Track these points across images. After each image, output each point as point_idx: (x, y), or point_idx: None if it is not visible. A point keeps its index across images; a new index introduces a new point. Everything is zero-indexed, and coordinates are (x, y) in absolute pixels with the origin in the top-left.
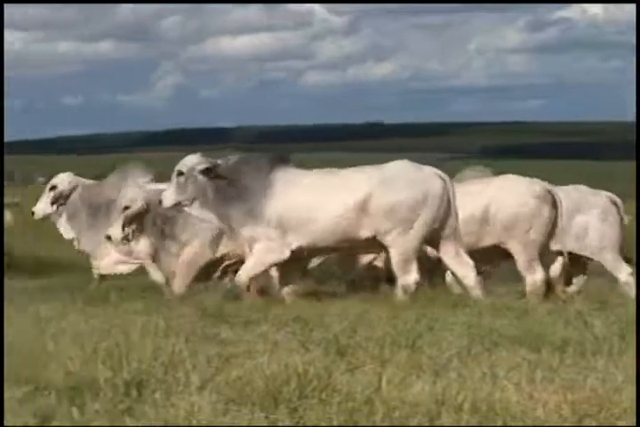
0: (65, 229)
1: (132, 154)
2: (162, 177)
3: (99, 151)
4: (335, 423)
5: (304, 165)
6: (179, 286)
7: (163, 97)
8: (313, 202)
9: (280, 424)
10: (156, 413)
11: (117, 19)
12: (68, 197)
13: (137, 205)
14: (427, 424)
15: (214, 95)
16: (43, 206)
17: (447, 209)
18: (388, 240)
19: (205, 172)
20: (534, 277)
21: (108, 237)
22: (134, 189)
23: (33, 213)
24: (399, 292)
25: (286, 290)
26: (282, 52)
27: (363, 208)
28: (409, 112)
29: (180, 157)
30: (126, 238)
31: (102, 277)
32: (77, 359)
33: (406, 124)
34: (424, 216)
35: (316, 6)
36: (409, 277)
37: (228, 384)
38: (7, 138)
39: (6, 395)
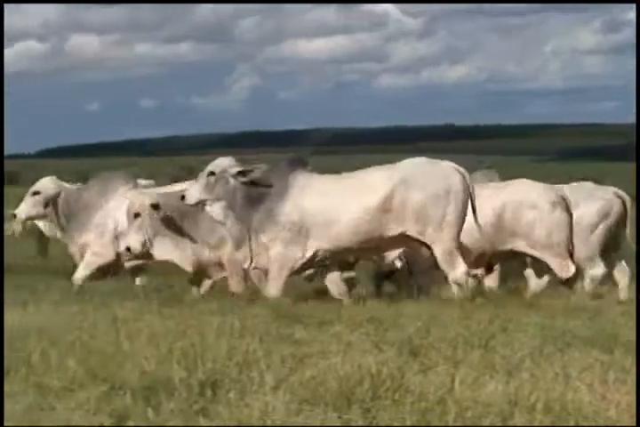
0: (46, 228)
1: (207, 156)
2: None
3: (175, 153)
4: (408, 424)
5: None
6: (235, 286)
7: (239, 99)
8: (333, 204)
9: (353, 424)
10: (230, 413)
11: (195, 20)
12: (54, 200)
13: (146, 211)
14: (499, 424)
15: (291, 97)
16: (26, 209)
17: (466, 204)
18: (426, 238)
19: (238, 175)
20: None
21: (128, 249)
22: (136, 194)
23: (15, 216)
24: (453, 288)
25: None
26: (357, 54)
27: (386, 208)
28: (484, 115)
29: (255, 159)
30: (144, 245)
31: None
32: (153, 359)
33: (481, 127)
34: (451, 210)
35: (391, 8)
36: (457, 270)
37: (302, 384)
38: (85, 140)
39: (83, 395)
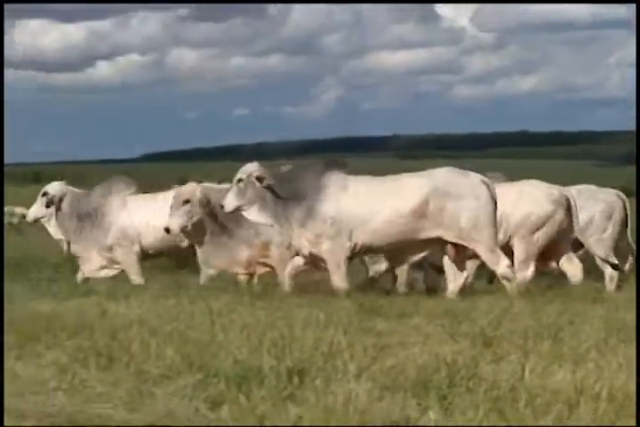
0: (53, 230)
1: (295, 161)
2: None
3: (266, 158)
4: (482, 410)
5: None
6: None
7: (325, 108)
8: (368, 205)
9: (431, 411)
10: (317, 399)
11: (284, 35)
12: (59, 202)
13: (196, 199)
14: (567, 411)
15: (373, 106)
16: (35, 210)
17: (494, 212)
18: (465, 241)
19: (259, 179)
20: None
21: (167, 230)
22: (192, 184)
23: (24, 216)
24: (503, 282)
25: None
26: (435, 67)
27: (420, 213)
28: (554, 122)
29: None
30: (184, 230)
31: (86, 279)
32: (245, 349)
33: (552, 133)
34: (482, 214)
35: (467, 24)
36: (501, 265)
37: (383, 373)
38: (183, 146)
39: (180, 382)
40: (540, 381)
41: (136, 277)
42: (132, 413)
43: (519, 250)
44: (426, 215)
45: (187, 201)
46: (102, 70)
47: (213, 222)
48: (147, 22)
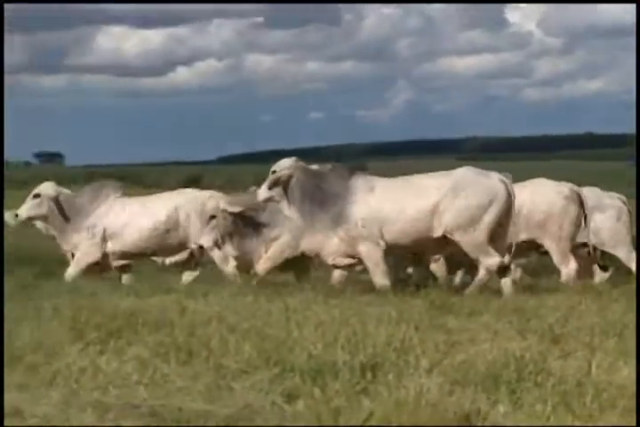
0: (44, 228)
1: (370, 162)
2: None
3: (341, 159)
4: (549, 404)
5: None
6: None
7: (397, 111)
8: (394, 204)
9: (500, 404)
10: (389, 393)
11: (357, 41)
12: (53, 202)
13: (220, 214)
14: (632, 406)
15: (444, 109)
16: (25, 210)
17: (508, 211)
18: (456, 236)
19: (288, 175)
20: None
21: (201, 247)
22: (214, 199)
23: (17, 216)
24: (480, 274)
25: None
26: (503, 71)
27: (434, 211)
28: (620, 123)
29: (410, 165)
30: (216, 244)
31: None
32: (319, 345)
33: (617, 135)
34: (490, 215)
35: (535, 29)
36: (490, 261)
37: (454, 368)
38: (260, 147)
39: (257, 376)
40: (606, 376)
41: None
42: (211, 405)
43: (552, 248)
44: (437, 212)
45: (213, 217)
46: (182, 75)
47: (240, 228)
48: (223, 29)
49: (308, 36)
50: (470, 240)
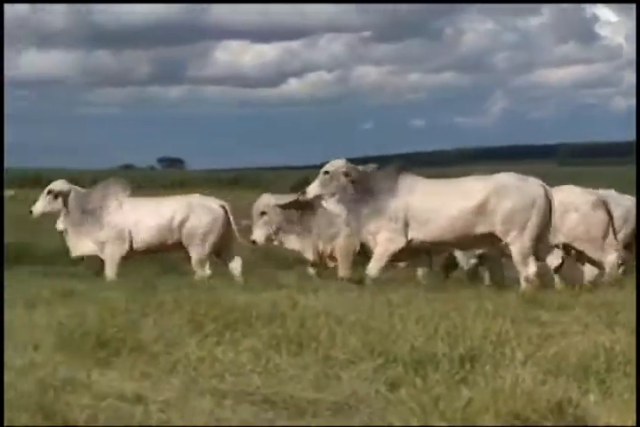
0: (58, 223)
1: (470, 167)
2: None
3: (441, 165)
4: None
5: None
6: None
7: (493, 119)
8: (435, 204)
9: (591, 393)
10: (486, 382)
11: (456, 54)
12: (65, 197)
13: (271, 210)
14: None
15: (539, 117)
16: (40, 206)
17: (548, 214)
18: (507, 239)
19: (345, 174)
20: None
21: (253, 242)
22: (266, 196)
23: (31, 212)
24: (523, 283)
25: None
26: (595, 81)
27: (479, 211)
28: None
29: (511, 170)
30: (269, 239)
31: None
32: (421, 337)
33: None
34: (534, 218)
35: (623, 41)
36: (529, 270)
37: (547, 359)
38: (364, 153)
39: (362, 366)
40: None
41: (110, 273)
42: (320, 393)
43: (588, 251)
44: (484, 212)
45: (263, 213)
46: (294, 86)
47: (292, 225)
48: (333, 43)
49: (411, 49)
50: (520, 244)
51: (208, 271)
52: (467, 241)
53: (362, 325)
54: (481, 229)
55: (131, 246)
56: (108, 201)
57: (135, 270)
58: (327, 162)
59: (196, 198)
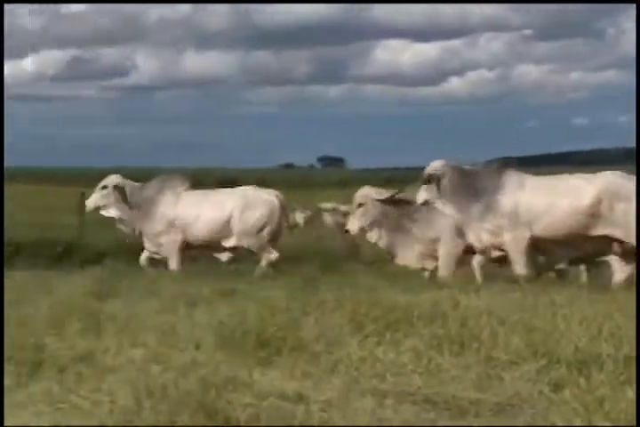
0: (108, 212)
1: (619, 166)
2: None
3: (601, 162)
4: None
5: None
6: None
7: None
8: (544, 201)
9: None
10: None
11: (619, 52)
12: (121, 191)
13: (369, 202)
14: None
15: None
16: (93, 200)
17: None
18: (631, 240)
19: (443, 175)
20: None
21: (347, 231)
22: (366, 188)
23: (86, 206)
24: None
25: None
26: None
27: (593, 212)
28: None
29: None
30: (363, 229)
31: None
32: (584, 338)
33: None
34: None
35: None
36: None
37: None
38: (526, 152)
39: (525, 367)
40: None
41: (173, 264)
42: (482, 393)
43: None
44: (598, 214)
45: (360, 204)
46: (454, 84)
47: (388, 221)
48: (493, 41)
49: (573, 47)
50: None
51: (275, 254)
52: (578, 242)
53: (524, 325)
54: (597, 231)
55: (187, 239)
56: (165, 195)
57: (295, 270)
58: (489, 160)
59: (251, 191)
